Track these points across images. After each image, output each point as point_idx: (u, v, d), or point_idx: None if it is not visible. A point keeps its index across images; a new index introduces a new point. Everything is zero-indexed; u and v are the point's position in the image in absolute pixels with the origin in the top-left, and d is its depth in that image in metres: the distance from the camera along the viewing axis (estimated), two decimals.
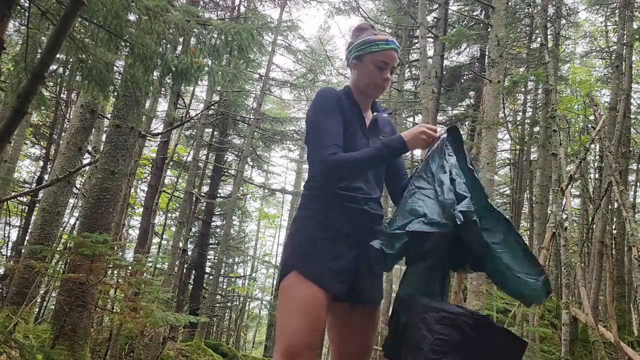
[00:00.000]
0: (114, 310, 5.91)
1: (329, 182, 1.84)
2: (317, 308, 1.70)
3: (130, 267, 5.97)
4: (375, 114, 2.03)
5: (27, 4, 3.26)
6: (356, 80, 1.97)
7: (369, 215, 1.88)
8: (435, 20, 12.96)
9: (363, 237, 1.80)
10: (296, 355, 1.67)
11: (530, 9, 12.19)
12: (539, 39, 12.62)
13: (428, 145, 1.86)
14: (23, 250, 6.30)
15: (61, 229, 7.71)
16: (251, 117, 15.24)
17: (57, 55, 2.94)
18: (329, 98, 1.88)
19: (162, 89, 4.09)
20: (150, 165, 14.06)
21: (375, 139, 1.94)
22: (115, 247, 5.24)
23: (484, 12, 12.82)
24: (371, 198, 1.92)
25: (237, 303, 21.11)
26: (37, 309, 7.83)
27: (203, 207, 16.14)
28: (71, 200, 9.55)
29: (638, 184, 14.60)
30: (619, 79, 10.05)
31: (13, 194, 7.60)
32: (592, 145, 10.79)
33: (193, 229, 16.12)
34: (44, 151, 11.74)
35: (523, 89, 14.89)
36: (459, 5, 14.48)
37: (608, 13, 13.94)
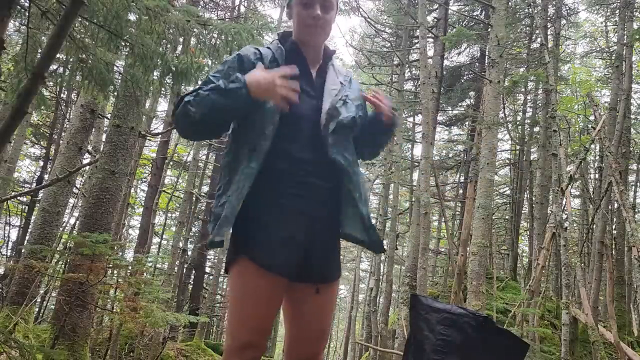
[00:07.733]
0: (114, 310, 5.90)
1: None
2: (269, 293, 1.61)
3: (130, 267, 5.97)
4: (325, 64, 1.85)
5: (27, 4, 3.25)
6: (294, 30, 1.83)
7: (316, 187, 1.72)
8: (436, 20, 12.97)
9: (315, 212, 1.69)
10: (245, 345, 1.59)
11: (530, 9, 12.19)
12: (539, 39, 12.61)
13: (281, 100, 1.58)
14: (23, 250, 6.30)
15: (61, 229, 7.70)
16: None
17: (57, 55, 2.94)
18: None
19: (162, 89, 4.09)
20: (150, 165, 14.05)
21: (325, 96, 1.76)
22: (115, 247, 5.23)
23: (484, 12, 12.82)
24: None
25: None
26: (37, 309, 7.83)
27: (203, 207, 16.14)
28: (71, 200, 9.55)
29: (638, 184, 14.60)
30: (619, 79, 10.06)
31: (13, 194, 7.59)
32: (592, 145, 10.78)
33: (193, 229, 16.11)
34: (44, 151, 11.73)
35: (523, 89, 14.88)
36: (459, 5, 14.48)
37: (608, 13, 13.93)
